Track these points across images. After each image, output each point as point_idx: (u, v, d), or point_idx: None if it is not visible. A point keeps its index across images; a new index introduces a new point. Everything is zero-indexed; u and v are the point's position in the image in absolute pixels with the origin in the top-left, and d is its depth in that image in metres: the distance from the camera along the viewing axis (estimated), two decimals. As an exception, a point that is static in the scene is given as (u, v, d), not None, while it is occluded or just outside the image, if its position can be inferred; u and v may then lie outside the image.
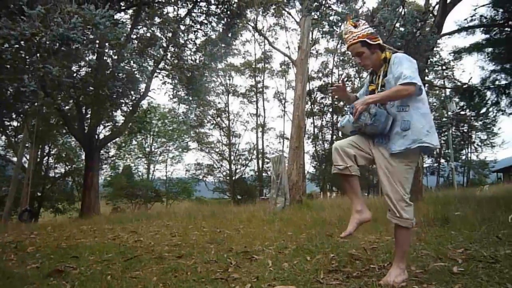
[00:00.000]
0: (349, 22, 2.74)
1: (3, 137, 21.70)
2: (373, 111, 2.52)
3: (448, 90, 23.19)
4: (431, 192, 13.85)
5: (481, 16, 10.02)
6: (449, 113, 27.81)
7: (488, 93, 10.60)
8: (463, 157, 37.29)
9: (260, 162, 35.99)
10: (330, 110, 37.88)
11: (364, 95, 2.81)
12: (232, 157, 35.95)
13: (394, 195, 2.59)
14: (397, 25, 7.42)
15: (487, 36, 10.27)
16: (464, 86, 10.47)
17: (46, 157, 24.63)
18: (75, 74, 10.89)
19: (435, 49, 8.92)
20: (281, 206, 9.91)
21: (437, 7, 9.02)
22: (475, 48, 10.72)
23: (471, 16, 10.23)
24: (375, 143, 2.64)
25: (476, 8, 9.99)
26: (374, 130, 2.57)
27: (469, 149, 36.72)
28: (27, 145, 19.32)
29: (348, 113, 2.66)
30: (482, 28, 10.27)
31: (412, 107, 2.52)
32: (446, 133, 31.38)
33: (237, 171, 36.27)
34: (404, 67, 2.47)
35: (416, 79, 2.42)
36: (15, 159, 20.88)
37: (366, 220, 2.73)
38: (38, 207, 22.12)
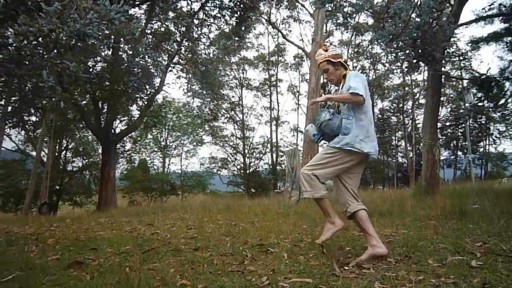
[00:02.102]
0: (322, 47, 3.45)
1: (23, 132, 22.13)
2: (332, 110, 3.26)
3: (465, 81, 22.77)
4: (448, 185, 13.65)
5: (500, 4, 9.78)
6: (467, 104, 27.35)
7: (507, 84, 10.39)
8: (481, 149, 36.66)
9: (274, 155, 36.00)
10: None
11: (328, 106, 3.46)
12: (246, 151, 36.01)
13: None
14: (413, 15, 7.28)
15: (506, 25, 10.02)
16: (482, 77, 10.26)
17: (64, 151, 25.03)
18: (91, 69, 11.01)
19: (452, 39, 8.74)
20: (296, 199, 9.91)
21: (454, -4, 8.83)
22: (494, 37, 10.48)
23: (490, 5, 10.00)
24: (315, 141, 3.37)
25: (495, -3, 9.77)
26: (330, 129, 3.18)
27: (487, 141, 36.07)
28: (45, 139, 19.70)
29: (313, 126, 3.34)
30: (501, 17, 10.02)
31: (355, 118, 3.13)
32: (463, 125, 30.91)
33: (251, 164, 36.37)
34: (351, 81, 3.10)
35: (360, 91, 3.01)
36: (34, 153, 21.33)
37: (339, 228, 3.24)
38: (56, 200, 22.54)
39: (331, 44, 3.82)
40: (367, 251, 2.99)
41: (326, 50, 3.38)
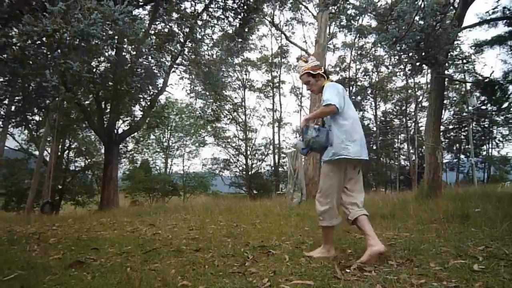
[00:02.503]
0: (302, 59, 3.59)
1: (26, 131, 22.21)
2: (316, 127, 3.30)
3: (468, 85, 22.73)
4: (451, 188, 13.60)
5: (504, 8, 9.74)
6: (470, 107, 27.28)
7: (511, 87, 10.32)
8: (484, 153, 36.55)
9: (276, 157, 36.02)
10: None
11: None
12: (248, 152, 36.03)
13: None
14: (417, 18, 7.26)
15: (510, 28, 9.98)
16: (486, 80, 10.21)
17: (67, 151, 25.13)
18: (94, 70, 11.03)
19: (455, 42, 8.71)
20: (297, 201, 9.90)
21: (458, -1, 8.82)
22: (497, 41, 10.44)
23: (493, 8, 9.96)
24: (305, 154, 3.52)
25: (499, 0, 9.73)
26: (319, 144, 3.23)
27: (490, 144, 35.98)
28: (48, 139, 19.76)
29: (301, 141, 3.37)
30: (505, 21, 9.98)
31: (336, 126, 3.20)
32: (466, 128, 30.83)
33: (253, 166, 36.39)
34: (325, 93, 3.22)
35: (332, 101, 3.12)
36: (37, 152, 21.41)
37: (330, 256, 3.23)
38: (59, 200, 22.61)
39: (309, 56, 3.96)
40: (366, 252, 3.02)
41: (306, 62, 3.52)
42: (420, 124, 34.10)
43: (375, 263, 2.94)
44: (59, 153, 23.18)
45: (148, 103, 14.53)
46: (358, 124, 3.30)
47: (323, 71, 3.48)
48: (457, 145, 36.91)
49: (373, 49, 33.64)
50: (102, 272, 3.10)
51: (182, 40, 14.33)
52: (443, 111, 21.68)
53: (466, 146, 34.35)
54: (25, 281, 2.92)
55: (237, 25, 14.80)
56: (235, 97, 36.31)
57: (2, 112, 11.45)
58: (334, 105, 3.10)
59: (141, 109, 15.25)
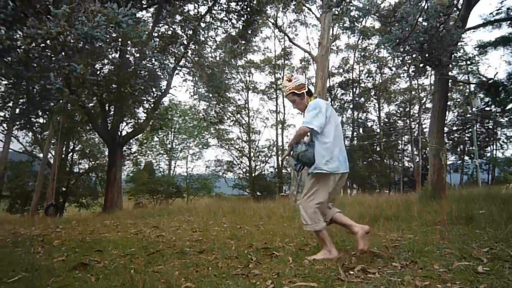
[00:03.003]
0: (286, 78, 3.71)
1: (30, 134, 22.30)
2: (306, 142, 3.49)
3: (472, 86, 22.61)
4: (455, 190, 13.54)
5: (508, 9, 9.70)
6: (474, 109, 27.17)
7: (515, 89, 10.28)
8: (488, 154, 36.37)
9: (280, 158, 35.95)
10: (351, 106, 37.52)
11: None
12: (251, 154, 36.02)
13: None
14: (420, 19, 7.26)
15: (514, 29, 9.95)
16: (490, 81, 10.17)
17: (71, 153, 25.18)
18: (98, 72, 11.07)
19: (459, 43, 8.67)
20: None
21: (461, 0, 8.79)
22: (501, 42, 10.39)
23: (497, 10, 9.91)
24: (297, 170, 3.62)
25: (502, 1, 9.69)
26: (307, 158, 3.40)
27: (494, 146, 35.78)
28: (52, 141, 19.83)
29: (291, 157, 3.58)
30: (508, 22, 9.94)
31: (318, 142, 3.40)
32: (470, 129, 30.69)
33: (257, 167, 36.37)
34: (306, 115, 3.43)
35: (310, 124, 3.34)
36: (41, 155, 21.48)
37: (333, 258, 3.26)
38: (63, 202, 22.65)
39: (293, 74, 3.96)
40: (358, 240, 3.23)
41: (290, 81, 3.65)
42: (424, 126, 34.02)
43: (379, 265, 2.93)
44: (63, 156, 23.25)
45: (152, 105, 14.57)
46: (339, 139, 3.51)
47: (307, 89, 3.64)
48: (461, 146, 36.77)
49: (376, 51, 33.62)
50: (106, 274, 3.11)
51: (185, 42, 14.37)
52: (447, 112, 21.62)
53: (470, 148, 34.19)
54: (29, 283, 2.93)
55: (240, 27, 14.83)
56: (239, 99, 36.42)
57: (6, 115, 11.50)
58: (312, 128, 3.33)
59: (144, 111, 15.29)
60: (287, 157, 3.63)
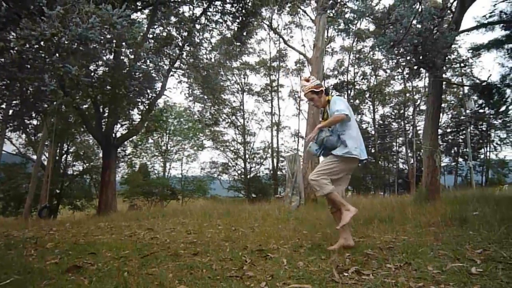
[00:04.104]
0: (304, 78, 4.17)
1: (23, 135, 22.14)
2: (329, 130, 3.91)
3: (466, 88, 22.78)
4: (449, 192, 13.62)
5: (501, 12, 9.78)
6: (468, 111, 27.37)
7: (508, 91, 10.37)
8: (482, 156, 36.62)
9: (275, 160, 36.00)
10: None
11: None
12: (247, 156, 36.00)
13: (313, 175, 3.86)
14: (414, 22, 7.29)
15: (507, 32, 10.02)
16: (483, 84, 10.26)
17: (65, 155, 25.03)
18: (93, 73, 11.02)
19: (453, 46, 8.75)
20: (296, 205, 9.89)
21: (455, 3, 8.85)
22: (495, 44, 10.48)
23: (490, 12, 10.00)
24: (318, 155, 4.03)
25: (495, 4, 9.77)
26: (330, 144, 3.83)
27: (488, 148, 36.03)
28: (46, 143, 19.69)
29: (314, 143, 4.00)
30: (502, 24, 10.03)
31: (347, 132, 3.85)
32: (464, 131, 30.90)
33: (252, 169, 36.36)
34: (336, 105, 3.84)
35: (345, 111, 3.78)
36: (34, 157, 21.32)
37: (354, 213, 3.78)
38: (56, 204, 22.49)
39: (310, 75, 4.36)
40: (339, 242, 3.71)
41: (308, 81, 4.08)
42: (418, 128, 34.17)
43: (373, 267, 2.93)
44: (57, 157, 23.11)
45: (147, 107, 14.54)
46: (359, 131, 4.00)
47: (324, 88, 4.08)
48: (455, 148, 37.00)
49: (371, 53, 33.78)
50: (99, 277, 3.08)
51: (180, 43, 14.36)
52: (441, 114, 21.72)
53: (464, 150, 34.42)
54: (21, 286, 2.90)
55: (236, 29, 14.85)
56: (234, 101, 36.39)
57: (0, 116, 11.41)
58: (346, 114, 3.76)
59: (139, 113, 15.26)
60: (311, 144, 4.01)
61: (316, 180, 3.78)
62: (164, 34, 14.97)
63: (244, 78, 36.90)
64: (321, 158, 4.23)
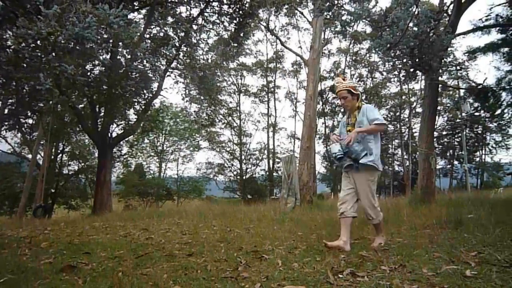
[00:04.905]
0: (340, 76, 4.09)
1: (19, 134, 22.03)
2: (359, 139, 3.88)
3: (462, 91, 22.87)
4: (444, 194, 13.67)
5: (497, 15, 9.85)
6: (463, 114, 27.44)
7: (504, 94, 10.46)
8: (477, 159, 36.77)
9: (271, 162, 35.99)
10: (342, 110, 37.62)
11: (341, 132, 4.15)
12: (243, 157, 35.99)
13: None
14: (411, 24, 7.33)
15: (503, 35, 10.10)
16: (479, 87, 10.31)
17: (60, 155, 24.93)
18: (89, 73, 11.00)
19: (449, 49, 8.78)
20: (291, 206, 9.90)
21: (451, 6, 8.90)
22: (491, 48, 10.55)
23: (487, 16, 10.07)
24: (353, 172, 3.94)
25: (492, 7, 9.84)
26: (356, 153, 3.80)
27: (483, 151, 36.21)
28: (42, 142, 19.61)
29: (339, 144, 3.93)
30: (498, 28, 10.09)
31: (374, 141, 3.89)
32: (459, 134, 31.01)
33: (248, 170, 36.33)
34: (375, 113, 3.86)
35: (384, 121, 3.87)
36: (30, 156, 21.22)
37: (343, 249, 3.68)
38: (52, 203, 22.39)
39: (345, 73, 4.25)
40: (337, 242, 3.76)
41: (344, 79, 4.02)
42: (414, 130, 34.27)
43: (367, 269, 2.93)
44: (52, 157, 23.01)
45: (143, 107, 14.51)
46: None
47: (359, 93, 4.08)
48: (451, 151, 37.12)
49: (367, 55, 33.87)
50: (94, 277, 3.07)
51: (177, 44, 14.34)
52: (437, 117, 21.79)
53: (460, 152, 34.52)
54: (15, 285, 2.89)
55: (233, 30, 14.84)
56: (230, 102, 36.39)
57: (-5, 115, 11.36)
58: (387, 125, 3.51)
59: (135, 113, 15.23)
60: (334, 144, 3.97)
61: (376, 208, 3.86)
62: (161, 34, 14.96)
63: (241, 79, 36.97)
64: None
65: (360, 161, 3.79)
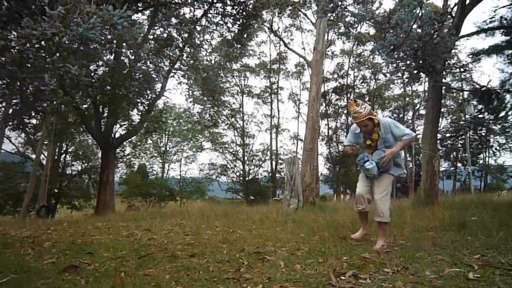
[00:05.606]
0: (353, 104, 4.11)
1: (23, 134, 22.13)
2: (383, 150, 4.15)
3: (466, 93, 22.82)
4: (448, 197, 13.61)
5: (501, 17, 9.82)
6: (467, 116, 27.37)
7: (508, 96, 10.42)
8: (481, 161, 36.59)
9: (274, 163, 35.94)
10: (345, 112, 37.61)
11: (354, 141, 4.36)
12: (245, 158, 35.96)
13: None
14: (414, 26, 7.31)
15: (507, 38, 10.07)
16: (483, 89, 10.28)
17: (64, 155, 24.99)
18: (93, 74, 11.02)
19: (453, 51, 8.77)
20: (294, 208, 9.88)
21: (455, 8, 8.88)
22: (495, 50, 10.51)
23: (491, 18, 10.04)
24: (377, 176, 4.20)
25: (496, 9, 9.81)
26: (387, 167, 4.12)
27: (487, 153, 36.01)
28: (45, 142, 19.68)
29: (371, 160, 4.13)
30: (502, 30, 10.06)
31: (399, 154, 4.27)
32: (463, 136, 30.89)
33: (251, 171, 36.27)
34: (401, 128, 4.13)
35: (413, 133, 4.22)
36: (33, 156, 21.31)
37: (365, 237, 4.42)
38: (55, 204, 22.45)
39: (355, 99, 4.43)
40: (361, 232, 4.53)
41: (358, 105, 4.08)
42: (417, 132, 34.10)
43: (370, 271, 2.93)
44: (56, 157, 23.07)
45: (146, 108, 14.52)
46: None
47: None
48: (454, 153, 36.98)
49: (371, 57, 33.82)
50: (96, 277, 3.08)
51: (180, 45, 14.35)
52: (440, 119, 21.76)
53: (463, 155, 34.39)
54: (18, 285, 2.90)
55: (236, 31, 14.84)
56: (233, 103, 36.34)
57: (-1, 115, 11.40)
58: (415, 135, 4.12)
59: (138, 113, 15.24)
60: (372, 166, 4.10)
61: (386, 206, 4.09)
62: (165, 35, 14.97)
63: (244, 80, 36.94)
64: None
65: (393, 173, 4.22)
